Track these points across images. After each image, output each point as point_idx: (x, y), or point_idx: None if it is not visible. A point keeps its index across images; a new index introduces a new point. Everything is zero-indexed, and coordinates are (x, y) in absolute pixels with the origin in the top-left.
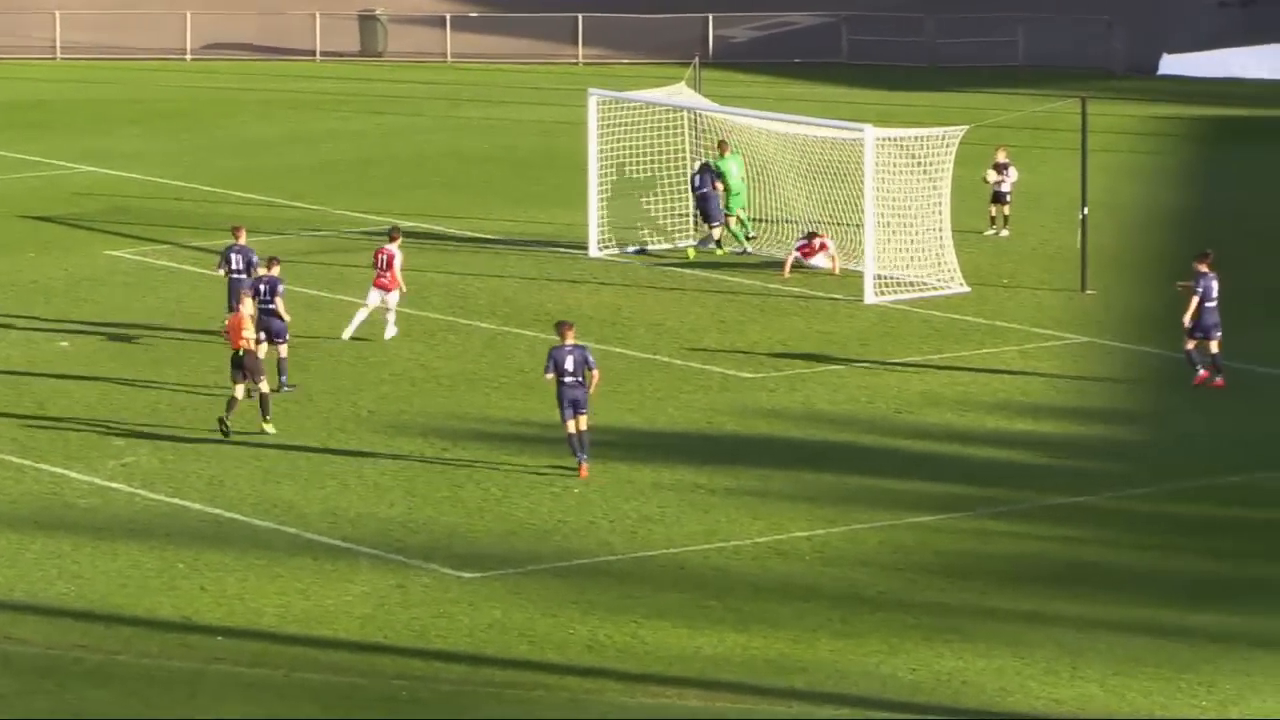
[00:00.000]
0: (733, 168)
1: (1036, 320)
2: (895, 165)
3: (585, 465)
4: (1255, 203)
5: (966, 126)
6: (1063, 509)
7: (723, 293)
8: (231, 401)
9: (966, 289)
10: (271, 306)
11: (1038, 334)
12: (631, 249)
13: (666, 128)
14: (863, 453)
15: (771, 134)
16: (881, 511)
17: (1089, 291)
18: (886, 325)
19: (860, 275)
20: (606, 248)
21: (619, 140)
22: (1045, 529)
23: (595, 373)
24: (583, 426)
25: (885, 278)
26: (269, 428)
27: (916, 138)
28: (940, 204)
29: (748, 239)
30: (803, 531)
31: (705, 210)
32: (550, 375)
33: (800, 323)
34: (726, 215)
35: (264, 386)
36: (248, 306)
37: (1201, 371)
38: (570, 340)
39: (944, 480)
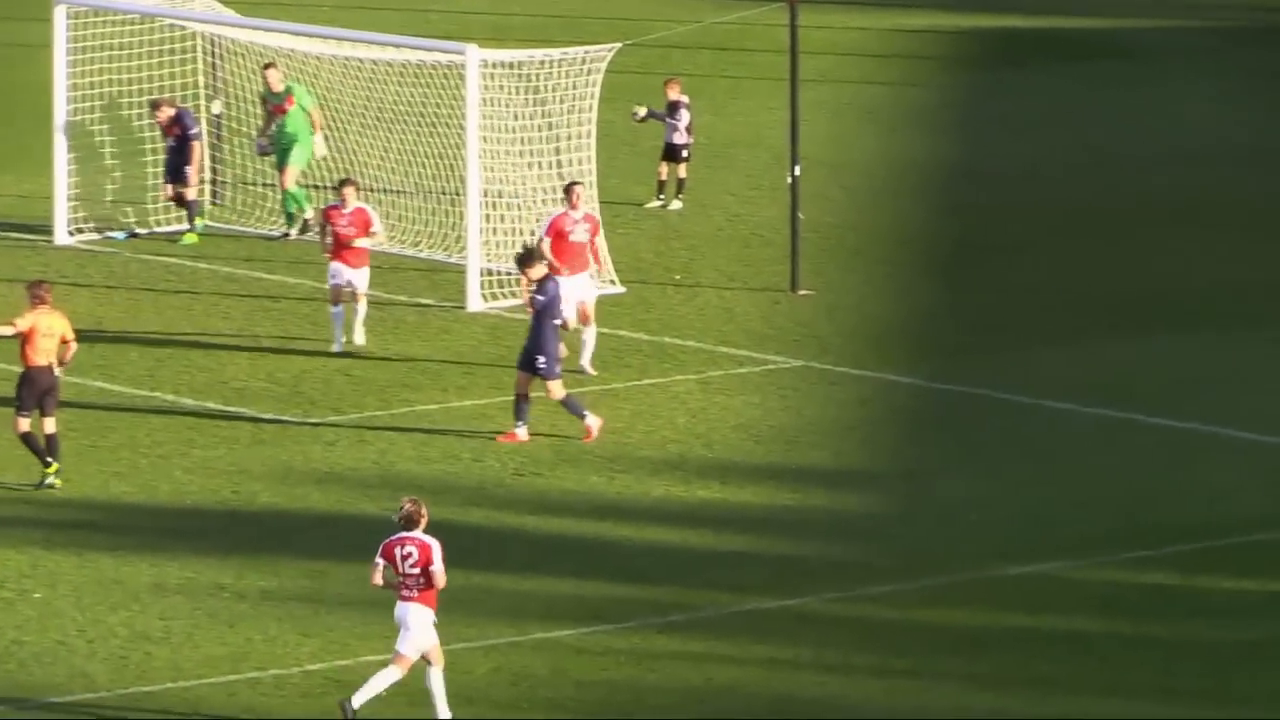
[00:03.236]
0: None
1: (725, 335)
2: (510, 104)
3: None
4: (1048, 155)
5: (617, 44)
6: (767, 616)
7: (257, 297)
8: None
9: (620, 289)
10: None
11: (727, 355)
12: (119, 234)
13: (176, 53)
14: (468, 535)
15: (327, 58)
16: (496, 623)
17: (803, 292)
18: (501, 344)
19: (461, 269)
20: (81, 231)
21: (102, 72)
22: (740, 646)
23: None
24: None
25: (497, 273)
26: None
27: (542, 62)
28: (580, 161)
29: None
30: (375, 655)
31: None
32: None
33: (378, 341)
34: (285, 168)
35: None
36: None
37: (516, 429)
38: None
39: (588, 575)
